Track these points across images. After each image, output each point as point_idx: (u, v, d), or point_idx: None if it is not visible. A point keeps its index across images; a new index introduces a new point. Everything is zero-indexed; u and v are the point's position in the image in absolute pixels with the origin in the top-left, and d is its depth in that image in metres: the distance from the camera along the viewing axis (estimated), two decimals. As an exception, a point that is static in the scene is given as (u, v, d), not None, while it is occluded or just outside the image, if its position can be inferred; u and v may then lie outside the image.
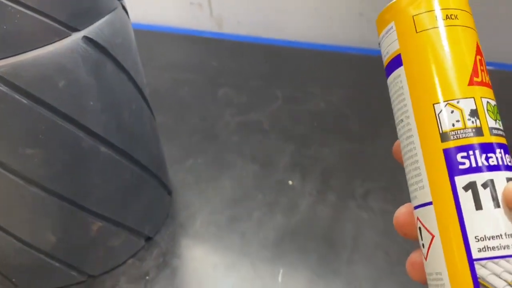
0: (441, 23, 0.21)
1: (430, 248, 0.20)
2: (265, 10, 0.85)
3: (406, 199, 0.52)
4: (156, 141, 0.48)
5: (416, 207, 0.21)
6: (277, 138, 0.61)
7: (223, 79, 0.74)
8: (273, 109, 0.67)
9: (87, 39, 0.35)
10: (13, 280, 0.44)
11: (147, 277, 0.45)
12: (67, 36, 0.34)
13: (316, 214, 0.50)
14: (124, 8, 0.40)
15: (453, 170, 0.19)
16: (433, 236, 0.20)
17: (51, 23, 0.32)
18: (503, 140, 0.20)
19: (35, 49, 0.32)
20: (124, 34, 0.39)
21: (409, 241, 0.47)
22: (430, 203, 0.20)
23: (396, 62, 0.22)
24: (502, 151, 0.19)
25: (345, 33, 0.80)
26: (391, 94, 0.23)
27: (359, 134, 0.61)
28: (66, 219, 0.40)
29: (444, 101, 0.20)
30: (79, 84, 0.35)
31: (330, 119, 0.64)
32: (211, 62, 0.78)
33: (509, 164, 0.19)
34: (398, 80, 0.22)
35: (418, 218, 0.21)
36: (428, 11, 0.21)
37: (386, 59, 0.23)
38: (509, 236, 0.18)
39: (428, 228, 0.20)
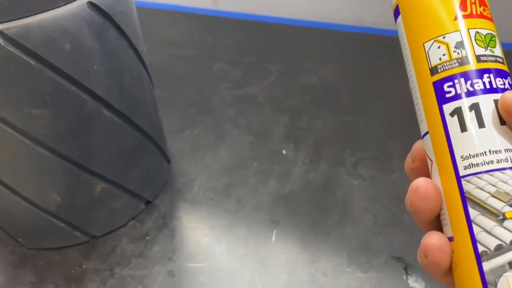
0: None
1: (432, 173, 0.22)
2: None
3: (395, 167, 0.54)
4: (155, 108, 0.50)
5: (422, 138, 0.23)
6: (271, 111, 0.63)
7: (219, 54, 0.75)
8: (267, 83, 0.68)
9: (91, 4, 0.36)
10: (19, 239, 0.46)
11: (147, 238, 0.47)
12: (72, 1, 0.35)
13: (308, 181, 0.52)
14: (125, -23, 0.42)
15: (441, 99, 0.21)
16: (431, 162, 0.22)
17: (57, -13, 0.34)
18: (495, 65, 0.21)
19: (41, 12, 0.34)
20: (125, 2, 0.41)
21: (396, 205, 0.50)
22: (427, 133, 0.22)
23: (397, 11, 0.24)
24: (491, 75, 0.21)
25: (338, 11, 0.82)
26: (399, 40, 0.25)
27: (350, 107, 0.63)
28: (70, 180, 0.42)
29: (431, 39, 0.22)
30: (84, 48, 0.37)
31: (323, 93, 0.66)
32: (207, 39, 0.80)
33: (500, 86, 0.21)
34: (399, 28, 0.24)
35: (424, 149, 0.23)
36: None
37: (392, 9, 0.25)
38: (492, 152, 0.20)
39: (429, 155, 0.22)
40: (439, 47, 0.22)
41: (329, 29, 0.81)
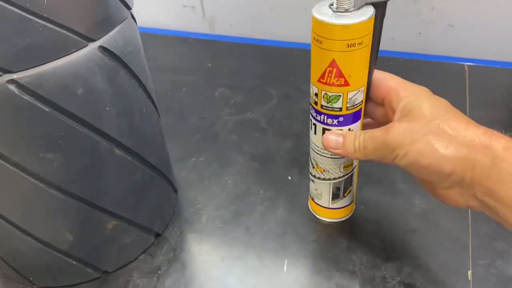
0: (315, 44, 0.39)
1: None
2: (255, 12, 0.87)
3: (399, 190, 0.55)
4: (163, 142, 0.50)
5: None
6: (274, 136, 0.64)
7: (219, 80, 0.76)
8: (269, 108, 0.69)
9: (102, 48, 0.37)
10: (31, 278, 0.46)
11: (159, 271, 0.47)
12: (84, 47, 0.36)
13: (316, 207, 0.53)
14: (132, 16, 0.43)
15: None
16: None
17: (70, 34, 0.34)
18: (330, 112, 0.42)
19: (55, 59, 0.34)
20: (134, 42, 0.42)
21: (403, 229, 0.50)
22: None
23: None
24: (324, 116, 0.42)
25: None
26: None
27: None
28: (83, 219, 0.42)
29: (311, 82, 0.42)
30: (96, 91, 0.37)
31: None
32: (207, 63, 0.80)
33: (329, 122, 0.42)
34: None
35: None
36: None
37: None
38: (316, 145, 0.46)
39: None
40: (311, 86, 0.42)
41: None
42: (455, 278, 0.45)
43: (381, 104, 0.43)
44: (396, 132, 0.37)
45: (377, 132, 0.39)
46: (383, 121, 0.42)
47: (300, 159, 0.60)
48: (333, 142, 0.41)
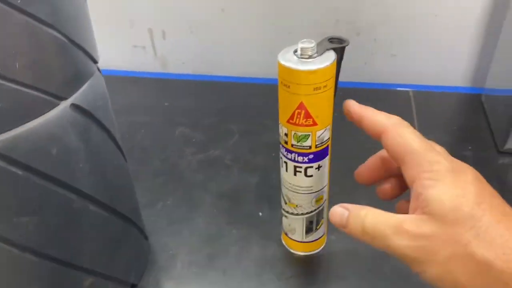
0: (282, 88, 0.41)
1: None
2: (206, 49, 0.89)
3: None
4: (133, 191, 0.50)
5: None
6: (240, 172, 0.65)
7: (178, 118, 0.76)
8: (231, 144, 0.70)
9: (74, 106, 0.37)
10: None
11: (139, 325, 0.46)
12: (56, 106, 0.35)
13: (289, 241, 0.54)
14: (99, 70, 0.42)
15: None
16: None
17: (42, 95, 0.34)
18: (299, 150, 0.43)
19: (29, 121, 0.34)
20: (103, 95, 0.41)
21: (378, 252, 0.52)
22: None
23: None
24: (295, 154, 0.44)
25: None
26: None
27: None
28: (59, 280, 0.41)
29: (280, 122, 0.44)
30: (69, 150, 0.37)
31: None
32: (163, 103, 0.80)
33: (299, 160, 0.44)
34: None
35: None
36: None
37: None
38: (289, 182, 0.47)
39: None
40: (281, 128, 0.44)
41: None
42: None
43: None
44: (423, 240, 0.28)
45: (393, 222, 0.30)
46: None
47: (268, 194, 0.61)
48: (338, 216, 0.34)
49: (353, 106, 0.38)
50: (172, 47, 0.89)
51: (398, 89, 0.81)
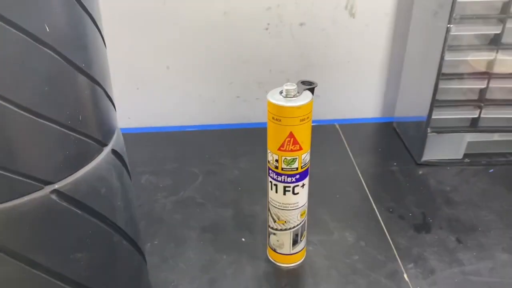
0: (273, 122, 0.51)
1: None
2: (151, 104, 0.96)
3: (332, 228, 0.68)
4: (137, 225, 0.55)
5: None
6: (214, 207, 0.72)
7: (140, 168, 0.81)
8: (198, 184, 0.77)
9: (113, 151, 0.42)
10: None
11: None
12: (102, 151, 0.41)
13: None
14: (114, 121, 0.48)
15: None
16: None
17: (93, 143, 0.39)
18: (289, 172, 0.53)
19: (85, 166, 0.39)
20: (121, 137, 0.47)
21: (351, 258, 0.62)
22: None
23: None
24: (285, 176, 0.53)
25: (227, 112, 0.96)
26: None
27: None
28: (100, 314, 0.44)
29: (270, 151, 0.53)
30: (112, 189, 0.42)
31: (248, 181, 0.77)
32: (122, 156, 0.84)
33: (288, 180, 0.54)
34: None
35: None
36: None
37: None
38: (275, 200, 0.57)
39: None
40: (272, 156, 0.53)
41: (223, 129, 0.95)
42: (392, 278, 0.58)
43: None
44: None
45: None
46: None
47: (246, 222, 0.68)
48: None
49: None
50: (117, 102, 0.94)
51: (326, 124, 0.96)
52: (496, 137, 0.80)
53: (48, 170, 0.36)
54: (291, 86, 0.51)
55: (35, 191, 0.36)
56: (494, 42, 0.71)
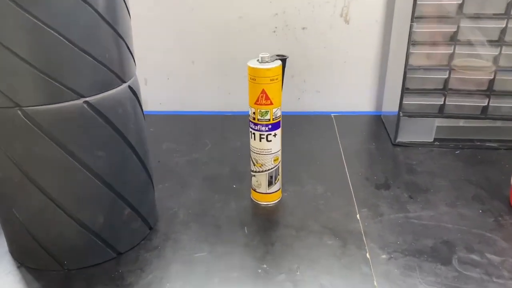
0: (251, 81, 0.69)
1: None
2: (178, 92, 1.16)
3: (309, 183, 0.85)
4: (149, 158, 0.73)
5: None
6: (216, 165, 0.89)
7: (162, 138, 1.00)
8: (207, 150, 0.95)
9: (129, 87, 0.61)
10: (65, 262, 0.62)
11: (159, 247, 0.67)
12: (121, 84, 0.60)
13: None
14: (135, 74, 0.68)
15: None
16: None
17: (115, 78, 0.58)
18: (263, 122, 0.70)
19: (109, 90, 0.58)
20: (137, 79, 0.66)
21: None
22: None
23: None
24: (260, 126, 0.70)
25: (239, 101, 1.15)
26: None
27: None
28: (111, 205, 0.62)
29: (249, 105, 0.71)
30: (127, 112, 0.61)
31: (247, 151, 0.94)
32: (149, 129, 1.04)
33: (263, 129, 0.70)
34: None
35: None
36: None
37: None
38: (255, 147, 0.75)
39: None
40: (250, 108, 0.71)
41: (234, 114, 1.13)
42: (347, 217, 0.72)
43: None
44: None
45: None
46: None
47: (238, 176, 0.85)
48: None
49: None
50: (152, 91, 1.15)
51: (323, 114, 1.11)
52: (462, 123, 0.92)
53: (83, 87, 0.55)
54: (265, 54, 0.68)
55: (74, 100, 0.55)
56: (452, 39, 0.85)
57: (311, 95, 1.15)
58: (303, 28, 1.07)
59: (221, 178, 0.85)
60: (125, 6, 0.60)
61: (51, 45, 0.51)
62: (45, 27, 0.50)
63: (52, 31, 0.51)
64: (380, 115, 1.10)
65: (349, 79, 1.12)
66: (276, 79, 0.68)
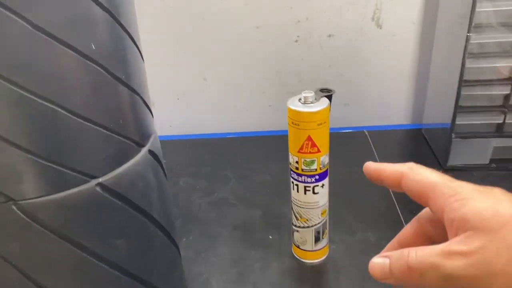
0: (293, 126, 0.56)
1: None
2: (190, 113, 1.03)
3: (359, 228, 0.72)
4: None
5: None
6: (245, 208, 0.77)
7: (179, 171, 0.88)
8: (231, 187, 0.83)
9: (150, 151, 0.49)
10: None
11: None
12: (140, 151, 0.47)
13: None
14: (152, 126, 0.55)
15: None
16: None
17: (132, 144, 0.46)
18: (308, 173, 0.58)
19: (126, 163, 0.45)
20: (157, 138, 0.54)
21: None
22: None
23: None
24: (305, 177, 0.58)
25: (260, 121, 1.02)
26: None
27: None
28: (137, 295, 0.50)
29: (291, 153, 0.59)
30: (149, 185, 0.48)
31: (277, 186, 0.82)
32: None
33: (308, 180, 0.58)
34: None
35: None
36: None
37: None
38: (299, 200, 0.62)
39: None
40: (292, 157, 0.58)
41: (253, 136, 1.00)
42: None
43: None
44: (476, 254, 0.26)
45: (439, 249, 0.28)
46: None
47: (273, 222, 0.73)
48: (378, 267, 0.32)
49: (371, 165, 0.36)
50: (160, 113, 1.02)
51: (355, 130, 0.99)
52: (522, 142, 0.80)
53: (94, 166, 0.43)
54: (309, 93, 0.56)
55: (83, 184, 0.42)
56: (517, 49, 0.73)
57: (339, 109, 1.02)
58: (329, 36, 0.94)
59: (254, 226, 0.73)
60: (137, 50, 0.47)
61: (46, 120, 0.39)
62: (35, 98, 0.37)
63: (45, 102, 0.38)
64: (421, 130, 0.98)
65: (381, 88, 1.00)
66: (324, 122, 0.56)
